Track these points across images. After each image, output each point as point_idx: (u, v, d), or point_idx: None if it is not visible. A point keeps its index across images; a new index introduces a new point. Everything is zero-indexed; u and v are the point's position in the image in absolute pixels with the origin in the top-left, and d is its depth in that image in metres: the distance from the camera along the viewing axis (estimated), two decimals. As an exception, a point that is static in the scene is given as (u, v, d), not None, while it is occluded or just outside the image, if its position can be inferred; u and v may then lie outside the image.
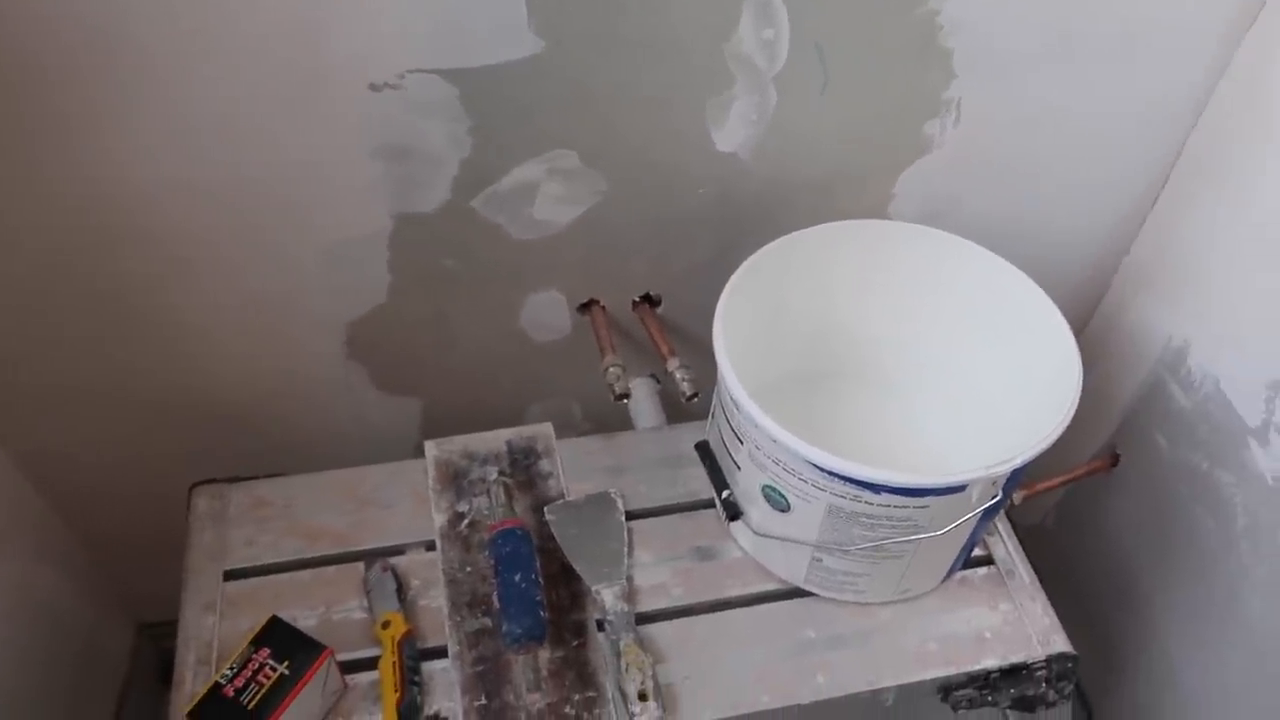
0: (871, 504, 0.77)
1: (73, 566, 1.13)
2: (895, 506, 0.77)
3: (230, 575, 0.90)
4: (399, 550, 0.92)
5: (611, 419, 1.09)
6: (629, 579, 0.90)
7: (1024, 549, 0.95)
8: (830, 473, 0.76)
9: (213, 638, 0.86)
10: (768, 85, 0.86)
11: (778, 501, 0.83)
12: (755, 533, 0.88)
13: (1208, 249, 0.98)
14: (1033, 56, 0.89)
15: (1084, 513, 1.24)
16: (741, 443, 0.83)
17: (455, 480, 0.97)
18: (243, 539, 0.92)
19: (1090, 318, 1.18)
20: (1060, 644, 0.88)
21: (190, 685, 0.83)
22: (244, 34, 0.74)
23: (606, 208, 0.93)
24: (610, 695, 0.83)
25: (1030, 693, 0.89)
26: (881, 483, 0.75)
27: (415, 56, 0.78)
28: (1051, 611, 0.90)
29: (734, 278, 0.86)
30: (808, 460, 0.76)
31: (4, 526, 1.01)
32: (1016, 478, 0.80)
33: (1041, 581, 0.92)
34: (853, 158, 0.95)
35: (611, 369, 0.97)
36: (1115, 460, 1.15)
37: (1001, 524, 0.96)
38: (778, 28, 0.82)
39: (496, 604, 0.85)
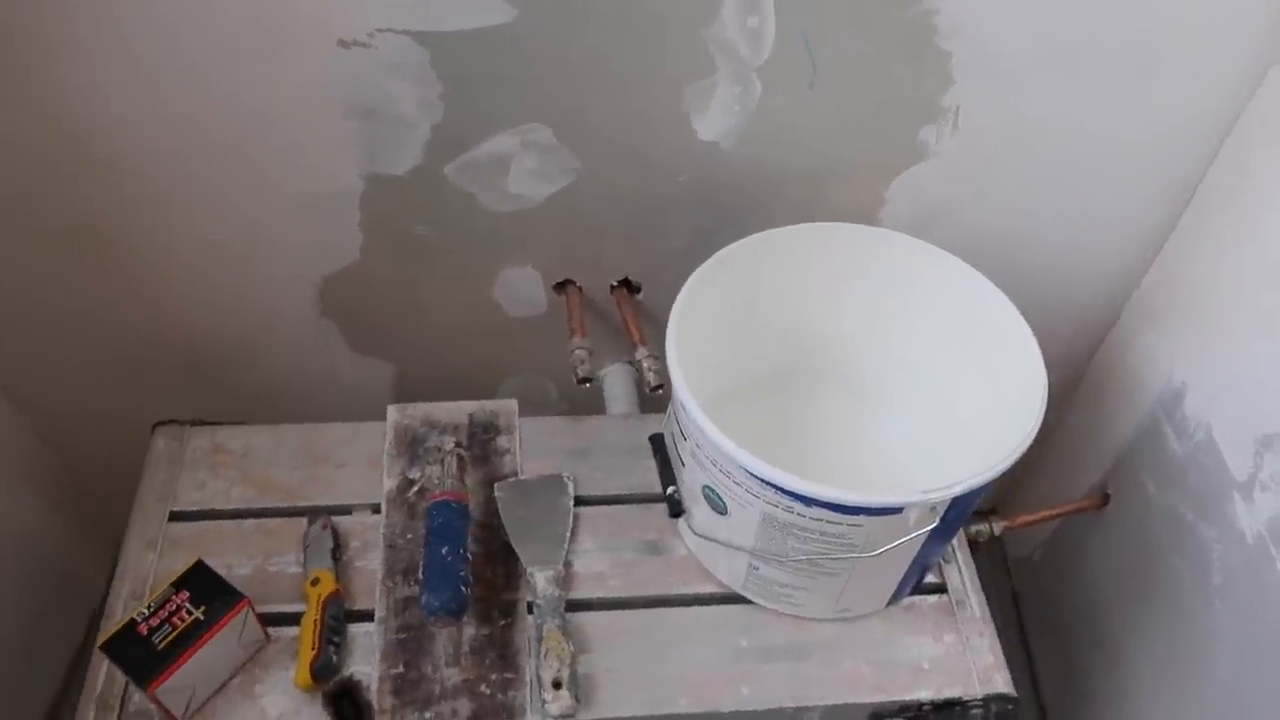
0: (804, 516, 0.74)
1: (54, 492, 1.16)
2: (828, 521, 0.74)
3: (175, 516, 0.91)
4: (346, 510, 0.92)
5: (587, 401, 1.07)
6: (567, 564, 0.89)
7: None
8: (762, 480, 0.73)
9: (149, 574, 0.87)
10: (752, 76, 0.83)
11: (716, 503, 0.80)
12: (695, 533, 0.86)
13: (1211, 290, 0.93)
14: (1039, 67, 0.84)
15: (1071, 550, 1.18)
16: (685, 439, 0.81)
17: (412, 446, 0.96)
18: (194, 483, 0.93)
19: (1097, 349, 1.12)
20: (1001, 684, 0.84)
21: (119, 618, 0.84)
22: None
23: (581, 187, 0.91)
24: (529, 679, 0.82)
25: (964, 730, 0.85)
26: (810, 495, 0.72)
27: (385, 15, 0.77)
28: (999, 649, 0.86)
29: (698, 271, 0.84)
30: (741, 465, 0.73)
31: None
32: (964, 506, 0.76)
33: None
34: (841, 158, 0.91)
35: (577, 350, 0.95)
36: (1105, 500, 1.09)
37: (961, 552, 0.93)
38: (763, 16, 0.79)
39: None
